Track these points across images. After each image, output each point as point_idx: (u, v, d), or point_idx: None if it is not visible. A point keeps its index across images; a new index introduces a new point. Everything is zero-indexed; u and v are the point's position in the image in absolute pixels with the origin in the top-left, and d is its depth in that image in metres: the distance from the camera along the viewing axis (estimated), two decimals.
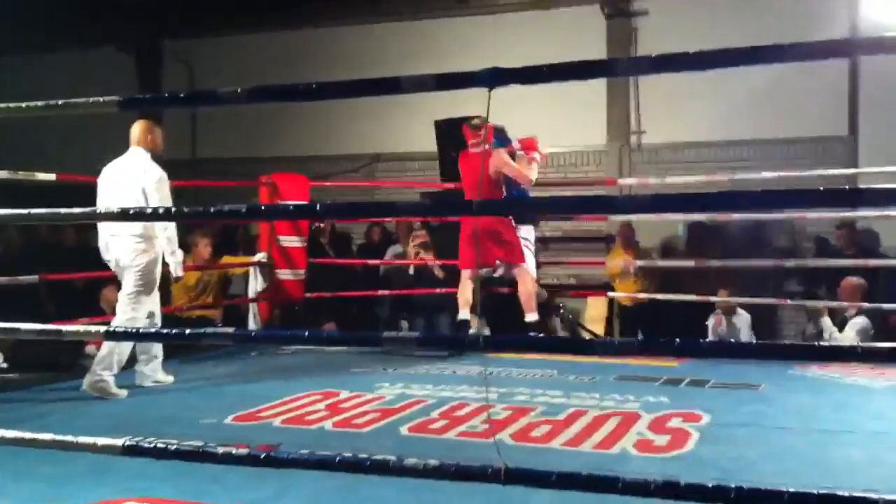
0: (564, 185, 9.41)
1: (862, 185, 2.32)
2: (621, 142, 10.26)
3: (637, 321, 8.74)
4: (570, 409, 4.56)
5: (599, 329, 9.23)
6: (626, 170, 10.16)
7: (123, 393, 5.12)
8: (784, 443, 3.97)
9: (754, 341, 7.62)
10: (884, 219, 7.83)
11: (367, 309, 9.21)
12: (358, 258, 9.20)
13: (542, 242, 10.31)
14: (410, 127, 10.56)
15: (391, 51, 10.81)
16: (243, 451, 2.45)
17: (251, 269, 7.45)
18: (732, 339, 7.52)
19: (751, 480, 2.92)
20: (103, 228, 5.31)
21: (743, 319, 7.71)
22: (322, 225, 8.55)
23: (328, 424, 4.33)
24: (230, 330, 2.61)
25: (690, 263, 8.04)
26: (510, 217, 6.17)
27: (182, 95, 3.62)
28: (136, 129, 5.41)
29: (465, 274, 6.39)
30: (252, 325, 7.23)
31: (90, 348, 6.46)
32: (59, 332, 2.80)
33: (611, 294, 8.63)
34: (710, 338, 7.61)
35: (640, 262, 8.28)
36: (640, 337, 8.43)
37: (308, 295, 7.49)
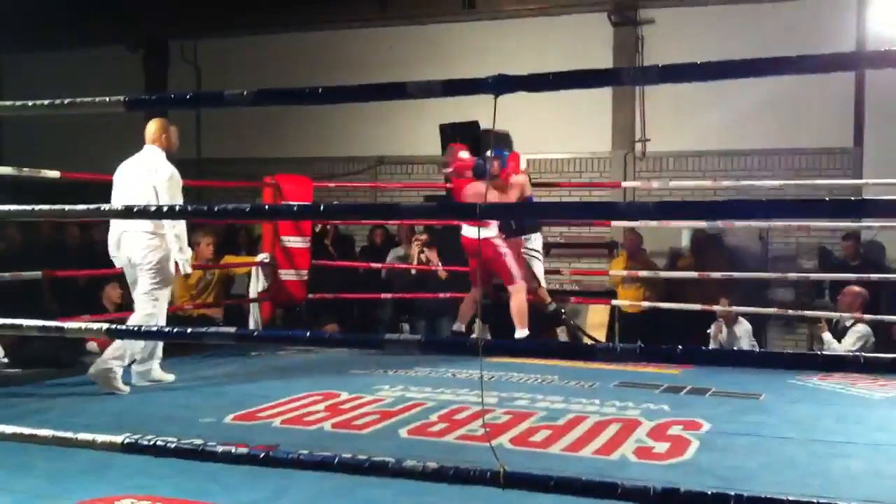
0: (568, 187, 9.41)
1: (867, 196, 2.32)
2: (626, 149, 10.26)
3: (639, 328, 8.74)
4: (571, 415, 4.55)
5: (601, 335, 9.23)
6: (631, 177, 10.16)
7: (126, 389, 5.13)
8: (784, 453, 3.96)
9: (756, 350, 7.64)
10: (890, 230, 7.84)
11: (368, 311, 9.22)
12: (361, 260, 9.21)
13: (544, 248, 10.35)
14: (415, 130, 10.58)
15: (398, 54, 10.83)
16: (242, 450, 2.45)
17: (253, 269, 7.46)
18: (733, 347, 7.54)
19: (750, 490, 2.92)
20: (115, 225, 5.35)
21: (743, 328, 7.70)
22: (327, 226, 8.57)
23: (327, 425, 4.33)
24: (231, 330, 2.61)
25: (693, 275, 8.05)
26: (498, 243, 6.45)
27: (188, 97, 3.60)
28: (151, 127, 5.43)
29: (473, 291, 6.69)
30: (253, 324, 7.24)
31: (91, 345, 6.48)
32: (61, 329, 2.81)
33: (614, 302, 8.63)
34: (712, 344, 7.63)
35: (642, 273, 8.30)
36: (640, 344, 8.43)
37: (310, 296, 7.50)
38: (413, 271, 8.32)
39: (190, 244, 5.54)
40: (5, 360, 6.21)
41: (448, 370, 5.88)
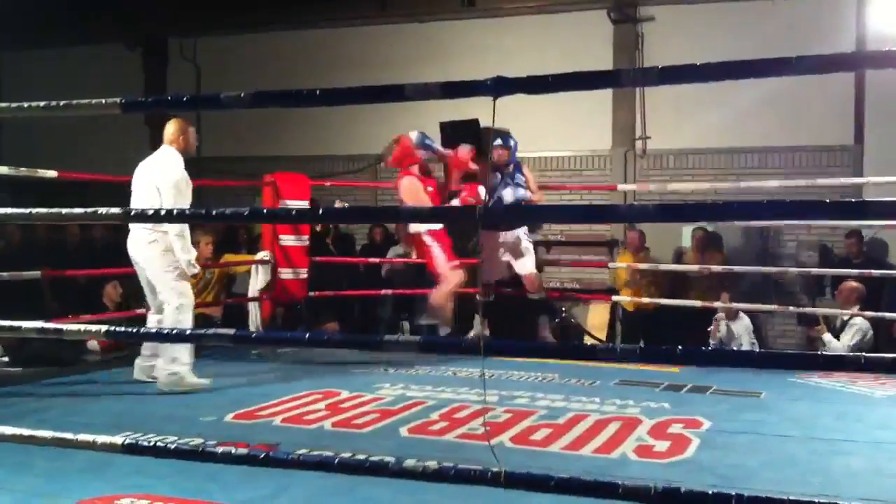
0: (561, 189, 9.39)
1: (867, 197, 2.31)
2: (626, 147, 10.26)
3: (640, 326, 8.74)
4: (571, 413, 4.55)
5: (602, 334, 9.24)
6: (631, 175, 10.16)
7: (205, 382, 5.15)
8: (784, 451, 3.96)
9: (755, 347, 7.66)
10: (891, 228, 7.83)
11: (368, 309, 9.23)
12: (361, 259, 9.21)
13: (544, 245, 10.35)
14: (414, 128, 10.53)
15: (397, 52, 10.82)
16: (242, 450, 2.44)
17: (253, 268, 7.46)
18: (733, 343, 7.57)
19: (751, 488, 2.92)
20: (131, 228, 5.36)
21: (744, 325, 7.72)
22: (328, 225, 8.57)
23: (327, 424, 4.33)
24: (231, 331, 2.60)
25: (694, 268, 8.08)
26: (425, 237, 6.35)
27: (185, 99, 3.60)
28: (170, 128, 5.41)
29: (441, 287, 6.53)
30: (253, 323, 7.23)
31: (92, 343, 6.48)
32: (60, 331, 2.80)
33: (615, 298, 8.64)
34: (712, 341, 7.66)
35: (643, 266, 8.29)
36: (642, 343, 8.44)
37: (311, 294, 7.50)
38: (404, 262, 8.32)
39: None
40: (5, 358, 6.21)
41: (448, 368, 5.88)
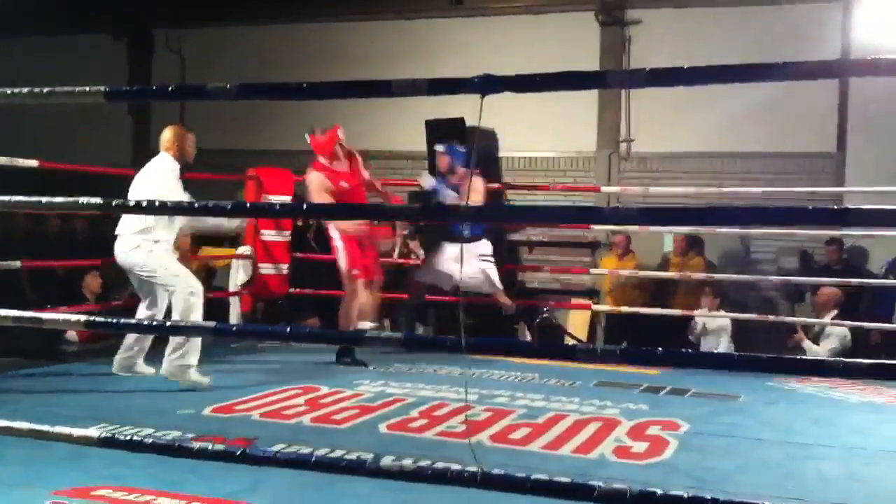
0: (544, 190, 9.40)
1: (849, 205, 2.33)
2: (611, 149, 10.29)
3: (621, 327, 8.78)
4: (551, 413, 4.56)
5: (582, 334, 9.27)
6: (615, 177, 10.19)
7: (206, 380, 5.04)
8: (760, 454, 3.98)
9: (732, 348, 7.75)
10: (869, 238, 7.91)
11: None
12: None
13: (526, 246, 10.37)
14: (400, 125, 10.56)
15: (383, 48, 10.80)
16: (219, 446, 2.43)
17: (234, 262, 7.43)
18: (709, 339, 7.69)
19: (726, 491, 2.94)
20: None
21: (723, 324, 7.83)
22: (309, 220, 8.54)
23: (306, 419, 4.32)
24: (211, 324, 2.59)
25: (675, 276, 8.15)
26: (333, 235, 6.10)
27: (170, 89, 3.59)
28: (166, 134, 5.28)
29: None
30: (233, 318, 7.21)
31: (71, 334, 6.44)
32: (39, 320, 2.78)
33: (594, 307, 8.74)
34: (690, 337, 7.77)
35: (626, 272, 8.35)
36: (624, 344, 8.49)
37: (291, 290, 7.48)
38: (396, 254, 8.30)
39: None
40: None
41: (429, 366, 5.88)
